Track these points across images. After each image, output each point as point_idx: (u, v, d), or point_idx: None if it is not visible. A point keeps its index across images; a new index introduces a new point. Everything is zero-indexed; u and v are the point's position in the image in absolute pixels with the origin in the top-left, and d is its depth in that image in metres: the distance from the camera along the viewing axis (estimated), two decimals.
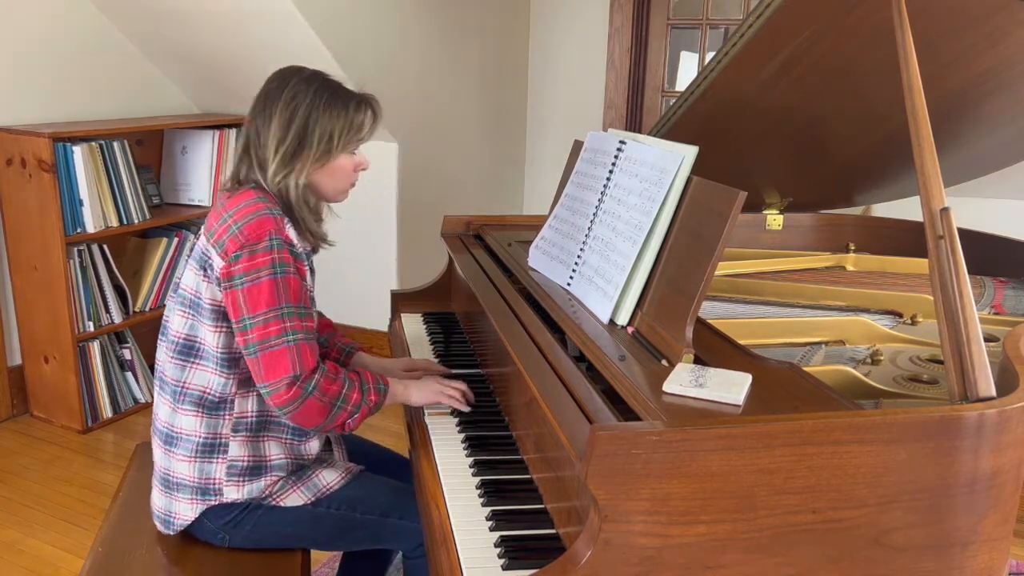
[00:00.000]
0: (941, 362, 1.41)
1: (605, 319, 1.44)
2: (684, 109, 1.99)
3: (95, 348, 3.15)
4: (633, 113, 4.10)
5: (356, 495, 1.61)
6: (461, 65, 3.83)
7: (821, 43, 1.73)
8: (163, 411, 1.57)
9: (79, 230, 3.02)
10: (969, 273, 1.20)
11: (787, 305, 1.88)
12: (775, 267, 2.18)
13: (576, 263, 1.61)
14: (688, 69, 4.11)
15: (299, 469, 1.61)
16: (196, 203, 3.52)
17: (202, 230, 1.57)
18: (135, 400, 3.32)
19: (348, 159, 1.59)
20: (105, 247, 3.15)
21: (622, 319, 1.42)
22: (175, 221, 3.39)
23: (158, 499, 1.60)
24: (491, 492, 1.36)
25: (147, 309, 3.33)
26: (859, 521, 1.02)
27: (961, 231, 1.26)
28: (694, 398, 1.12)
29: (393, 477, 1.73)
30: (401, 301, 2.30)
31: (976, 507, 1.05)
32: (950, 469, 1.03)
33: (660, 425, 1.02)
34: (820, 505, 1.01)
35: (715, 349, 1.31)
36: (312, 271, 1.64)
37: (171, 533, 1.59)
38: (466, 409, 1.64)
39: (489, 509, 1.31)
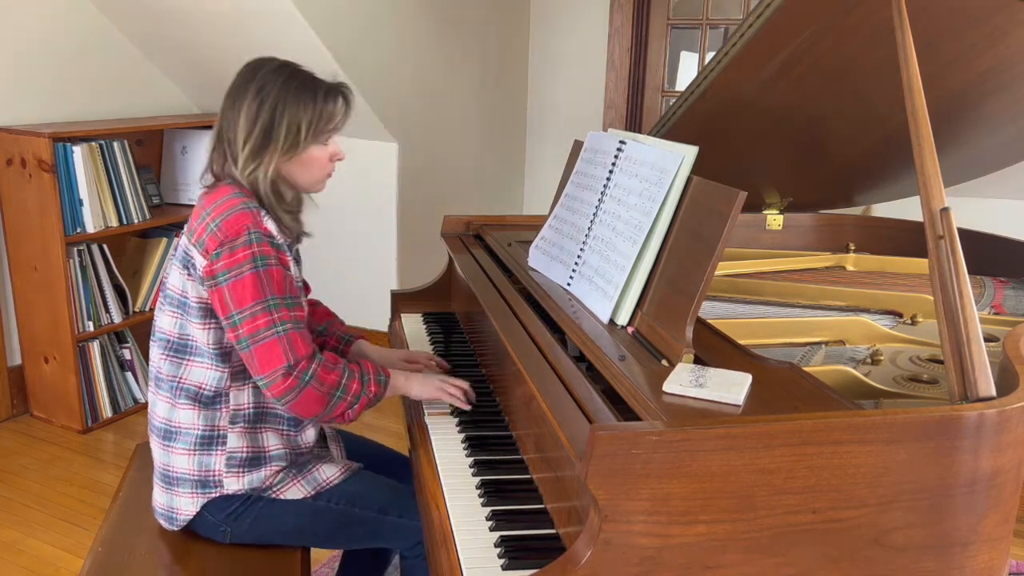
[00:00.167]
0: (941, 362, 1.41)
1: (605, 319, 1.44)
2: (684, 109, 1.99)
3: (95, 348, 3.15)
4: (633, 113, 4.10)
5: (355, 490, 1.62)
6: (461, 65, 3.83)
7: (821, 43, 1.73)
8: (160, 408, 1.58)
9: (79, 230, 3.02)
10: (969, 273, 1.20)
11: (787, 305, 1.88)
12: (775, 267, 2.18)
13: (576, 263, 1.61)
14: (688, 69, 4.11)
15: (299, 461, 1.62)
16: (196, 203, 3.52)
17: (184, 229, 1.58)
18: (135, 400, 3.32)
19: (320, 150, 1.58)
20: (105, 247, 3.15)
21: (622, 319, 1.42)
22: (175, 221, 3.39)
23: (160, 496, 1.60)
24: (491, 492, 1.36)
25: (147, 309, 3.33)
26: (859, 521, 1.02)
27: (961, 231, 1.26)
28: (694, 398, 1.12)
29: (393, 476, 1.73)
30: (401, 301, 2.30)
31: (976, 507, 1.05)
32: (950, 469, 1.03)
33: (660, 425, 1.02)
34: (820, 505, 1.01)
35: (715, 349, 1.31)
36: (298, 261, 1.64)
37: (175, 529, 1.59)
38: (467, 407, 1.63)
39: (489, 509, 1.31)
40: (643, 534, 0.98)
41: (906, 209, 2.42)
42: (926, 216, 1.24)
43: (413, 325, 2.18)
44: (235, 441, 1.55)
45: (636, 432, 0.96)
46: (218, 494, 1.56)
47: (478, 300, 1.75)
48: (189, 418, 1.55)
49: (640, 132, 1.96)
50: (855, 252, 2.30)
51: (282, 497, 1.58)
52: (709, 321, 1.45)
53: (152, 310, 3.30)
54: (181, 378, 1.55)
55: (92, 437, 3.12)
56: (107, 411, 3.21)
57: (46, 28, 3.13)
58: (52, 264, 2.99)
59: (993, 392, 1.10)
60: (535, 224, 1.90)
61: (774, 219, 2.38)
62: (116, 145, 3.11)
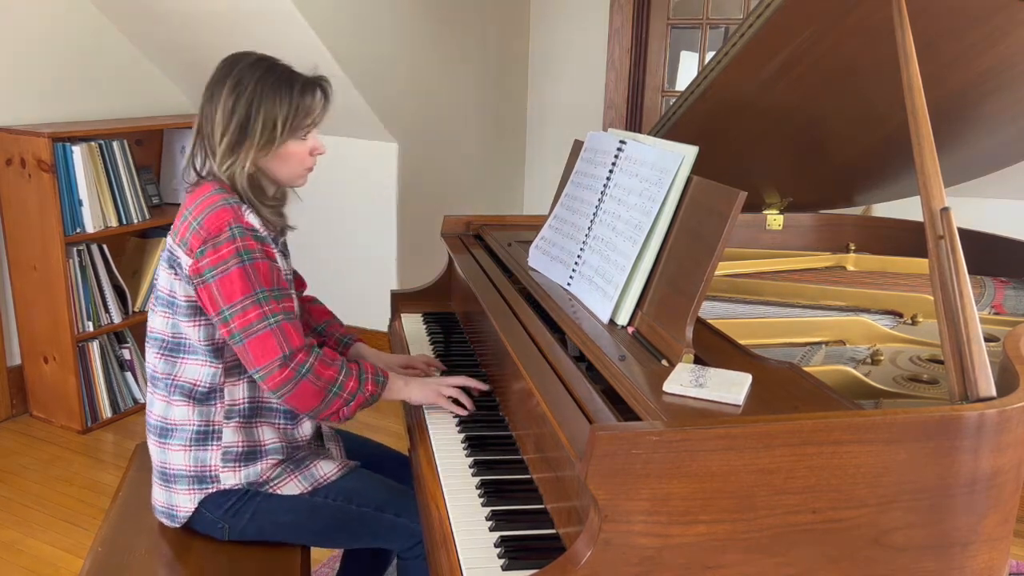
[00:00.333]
0: (941, 362, 1.41)
1: (605, 319, 1.43)
2: (684, 109, 1.99)
3: (95, 348, 3.15)
4: (633, 113, 4.10)
5: (352, 487, 1.62)
6: (461, 65, 3.83)
7: (821, 43, 1.73)
8: (157, 407, 1.58)
9: (79, 230, 3.02)
10: (969, 273, 1.19)
11: (787, 305, 1.88)
12: (775, 267, 2.18)
13: (576, 263, 1.61)
14: (688, 69, 4.10)
15: (296, 457, 1.62)
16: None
17: (170, 229, 1.58)
18: (135, 400, 3.32)
19: (299, 145, 1.57)
20: (105, 247, 3.15)
21: (622, 319, 1.42)
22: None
23: (159, 494, 1.61)
24: (491, 492, 1.36)
25: (147, 309, 3.32)
26: (859, 521, 1.02)
27: (961, 231, 1.26)
28: (694, 398, 1.12)
29: (392, 475, 1.73)
30: (401, 301, 2.30)
31: (976, 507, 1.05)
32: (950, 469, 1.03)
33: (660, 425, 1.02)
34: (820, 505, 1.01)
35: (715, 349, 1.31)
36: (285, 254, 1.63)
37: (176, 526, 1.60)
38: (464, 414, 1.62)
39: (489, 509, 1.31)
40: (643, 534, 0.98)
41: (906, 209, 2.42)
42: (926, 216, 1.24)
43: (413, 325, 2.18)
44: (230, 436, 1.56)
45: (636, 432, 0.96)
46: (215, 489, 1.56)
47: (478, 300, 1.75)
48: (184, 415, 1.55)
49: (640, 132, 1.96)
50: (855, 252, 2.30)
51: (279, 492, 1.58)
52: (709, 321, 1.45)
53: None
54: (176, 376, 1.55)
55: (92, 437, 3.12)
56: (107, 411, 3.21)
57: (46, 28, 3.13)
58: (52, 264, 2.99)
59: (993, 392, 1.10)
60: (535, 224, 1.90)
61: (774, 219, 2.38)
62: (116, 145, 3.11)
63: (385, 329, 2.30)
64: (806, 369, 1.25)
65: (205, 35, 3.21)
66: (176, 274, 1.52)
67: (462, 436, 1.56)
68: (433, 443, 1.54)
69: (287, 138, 1.55)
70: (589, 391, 1.21)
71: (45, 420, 3.21)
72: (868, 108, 1.97)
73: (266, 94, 1.52)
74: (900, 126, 1.46)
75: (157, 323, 1.58)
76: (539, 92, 4.29)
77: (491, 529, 1.26)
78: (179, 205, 1.53)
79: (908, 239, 2.33)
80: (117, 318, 3.21)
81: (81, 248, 3.06)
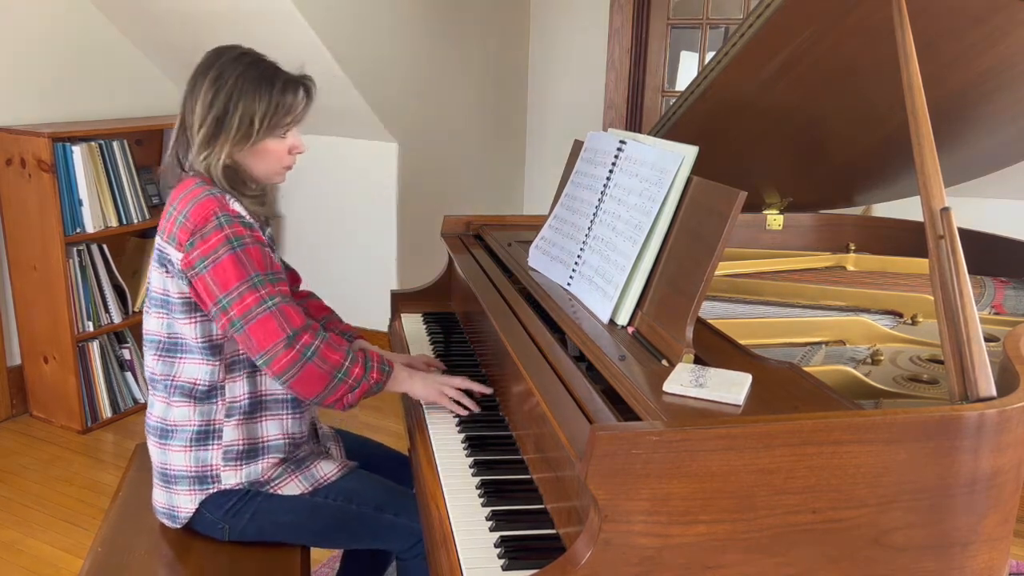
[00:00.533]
0: (941, 362, 1.41)
1: (605, 319, 1.43)
2: (684, 109, 1.99)
3: (95, 348, 3.15)
4: (633, 113, 4.10)
5: (352, 487, 1.62)
6: (461, 65, 3.83)
7: (821, 43, 1.73)
8: (156, 408, 1.58)
9: (79, 230, 3.02)
10: (969, 273, 1.19)
11: (787, 305, 1.88)
12: (775, 267, 2.18)
13: (576, 263, 1.61)
14: (688, 69, 4.10)
15: (296, 456, 1.61)
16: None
17: (158, 229, 1.57)
18: (135, 400, 3.32)
19: (277, 143, 1.56)
20: (105, 247, 3.15)
21: (622, 319, 1.42)
22: None
23: (159, 495, 1.60)
24: (491, 492, 1.36)
25: (145, 306, 3.33)
26: (859, 521, 1.02)
27: (961, 231, 1.26)
28: (694, 398, 1.12)
29: (391, 476, 1.73)
30: (401, 301, 2.30)
31: (976, 507, 1.05)
32: (950, 469, 1.03)
33: (660, 425, 1.02)
34: (820, 505, 1.01)
35: (715, 349, 1.31)
36: (272, 247, 1.62)
37: (177, 527, 1.60)
38: (465, 414, 1.62)
39: (489, 509, 1.31)
40: (643, 534, 0.98)
41: (906, 209, 2.42)
42: (926, 216, 1.24)
43: (413, 325, 2.18)
44: (231, 435, 1.55)
45: (636, 432, 0.96)
46: (216, 489, 1.56)
47: (478, 300, 1.75)
48: (184, 415, 1.55)
49: (640, 132, 1.96)
50: (855, 252, 2.30)
51: (280, 493, 1.58)
52: (709, 321, 1.45)
53: None
54: (175, 376, 1.55)
55: (92, 437, 3.12)
56: (107, 411, 3.21)
57: (46, 28, 3.13)
58: (52, 264, 2.99)
59: (993, 392, 1.10)
60: (535, 224, 1.90)
61: (774, 219, 2.38)
62: (116, 145, 3.11)
63: (385, 329, 2.30)
64: (806, 369, 1.25)
65: (205, 35, 3.20)
66: (168, 272, 1.52)
67: (462, 436, 1.56)
68: (433, 443, 1.54)
69: (264, 135, 1.53)
70: (589, 391, 1.21)
71: (45, 420, 3.21)
72: (868, 108, 1.97)
73: (246, 89, 1.50)
74: (900, 126, 1.46)
75: (152, 324, 1.57)
76: (539, 92, 4.29)
77: (491, 529, 1.26)
78: None
79: (908, 239, 2.33)
80: (117, 318, 3.21)
81: (81, 248, 3.06)
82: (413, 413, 1.69)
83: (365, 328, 3.59)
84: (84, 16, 3.25)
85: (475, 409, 1.62)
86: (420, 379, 1.63)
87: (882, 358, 1.57)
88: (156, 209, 3.41)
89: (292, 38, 3.00)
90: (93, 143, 3.03)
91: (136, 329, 3.31)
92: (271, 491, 1.58)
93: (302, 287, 1.91)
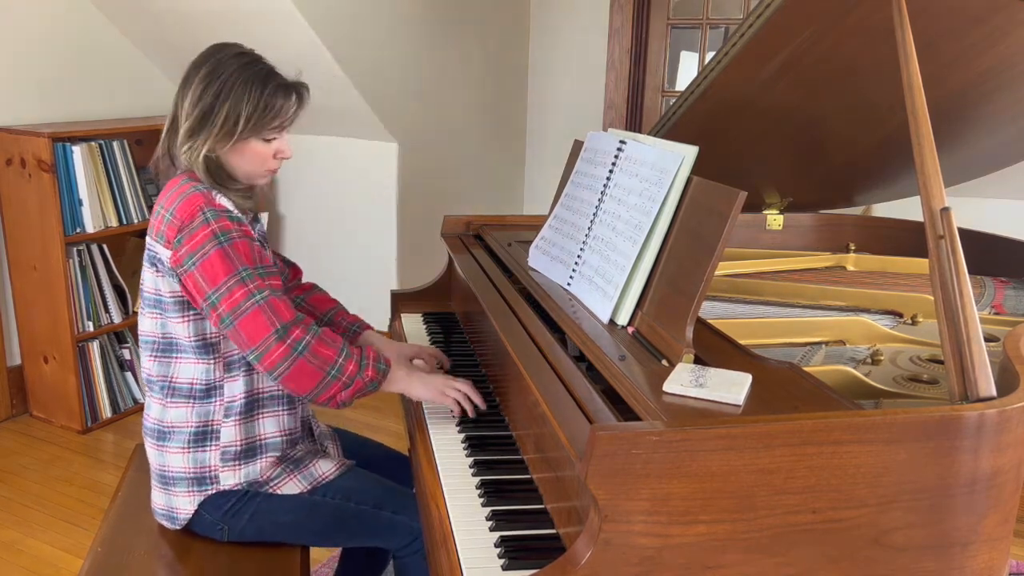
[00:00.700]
0: (941, 362, 1.41)
1: (605, 319, 1.43)
2: (684, 109, 1.99)
3: (95, 348, 3.15)
4: (633, 113, 4.10)
5: (351, 486, 1.62)
6: (461, 65, 3.83)
7: (821, 43, 1.73)
8: (154, 410, 1.58)
9: (79, 230, 3.02)
10: (969, 273, 1.19)
11: (787, 305, 1.88)
12: (775, 267, 2.18)
13: (576, 263, 1.61)
14: (688, 69, 4.10)
15: (294, 454, 1.61)
16: None
17: (148, 228, 1.57)
18: (134, 400, 3.32)
19: (261, 145, 1.55)
20: (105, 247, 3.15)
21: (622, 319, 1.42)
22: None
23: (158, 497, 1.60)
24: (491, 492, 1.36)
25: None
26: (859, 521, 1.02)
27: (961, 231, 1.26)
28: (694, 398, 1.12)
29: (389, 475, 1.73)
30: (401, 301, 2.30)
31: (976, 507, 1.05)
32: (950, 469, 1.03)
33: (660, 425, 1.02)
34: (820, 505, 1.01)
35: (715, 349, 1.31)
36: (263, 242, 1.61)
37: (177, 528, 1.60)
38: (470, 414, 1.60)
39: (489, 509, 1.31)
40: (643, 534, 0.98)
41: (906, 209, 2.41)
42: (926, 216, 1.24)
43: (413, 325, 2.18)
44: (229, 435, 1.55)
45: (636, 432, 0.96)
46: (215, 490, 1.56)
47: (478, 300, 1.75)
48: (182, 416, 1.55)
49: (640, 132, 1.96)
50: (855, 252, 2.30)
51: (279, 492, 1.58)
52: (709, 321, 1.45)
53: None
54: (172, 377, 1.55)
55: (92, 437, 3.12)
56: (107, 411, 3.21)
57: (46, 28, 3.13)
58: (52, 264, 2.99)
59: (993, 392, 1.10)
60: (535, 224, 1.90)
61: (774, 219, 2.38)
62: (116, 145, 3.11)
63: (385, 329, 2.30)
64: (806, 369, 1.25)
65: (205, 35, 3.19)
66: (158, 270, 1.51)
67: (462, 436, 1.56)
68: (433, 443, 1.54)
69: (249, 135, 1.52)
70: (589, 391, 1.21)
71: (45, 420, 3.21)
72: (868, 108, 1.97)
73: (236, 88, 1.50)
74: (900, 126, 1.46)
75: (147, 325, 1.57)
76: (539, 92, 4.29)
77: (491, 529, 1.26)
78: None
79: (908, 239, 2.33)
80: (117, 318, 3.21)
81: (81, 248, 3.06)
82: (413, 413, 1.69)
83: None
84: (84, 16, 3.25)
85: (481, 406, 1.61)
86: (419, 379, 1.60)
87: (882, 358, 1.57)
88: None
89: (292, 38, 3.00)
90: (93, 143, 3.03)
91: (136, 329, 3.31)
92: (270, 491, 1.58)
93: (304, 280, 1.91)
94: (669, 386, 1.14)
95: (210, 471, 1.55)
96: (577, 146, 1.82)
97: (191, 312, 1.51)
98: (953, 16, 1.61)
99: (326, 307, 1.86)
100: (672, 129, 2.06)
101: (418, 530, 1.56)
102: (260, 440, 1.58)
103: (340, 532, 1.63)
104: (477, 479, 1.41)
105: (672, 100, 3.16)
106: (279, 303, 1.46)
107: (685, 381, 1.14)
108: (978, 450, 1.03)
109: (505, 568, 1.16)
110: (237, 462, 1.56)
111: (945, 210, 1.22)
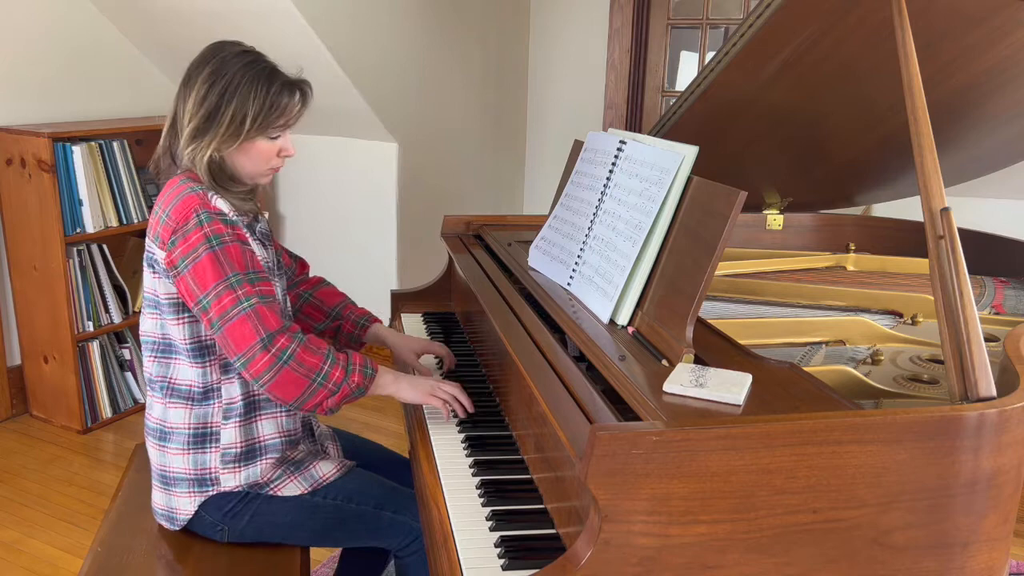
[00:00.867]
0: (941, 362, 1.41)
1: (605, 319, 1.43)
2: (684, 109, 1.99)
3: (95, 348, 3.15)
4: (633, 113, 4.10)
5: (351, 487, 1.62)
6: (461, 65, 3.83)
7: (821, 43, 1.73)
8: (155, 409, 1.58)
9: (79, 230, 3.02)
10: (969, 273, 1.20)
11: (787, 305, 1.88)
12: (775, 267, 2.18)
13: (576, 263, 1.61)
14: (688, 69, 4.10)
15: (294, 455, 1.61)
16: None
17: (147, 229, 1.57)
18: (135, 400, 3.32)
19: (267, 143, 1.54)
20: (105, 247, 3.15)
21: (622, 319, 1.42)
22: None
23: (159, 497, 1.60)
24: (491, 492, 1.36)
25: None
26: (859, 521, 1.02)
27: (961, 231, 1.26)
28: (694, 398, 1.12)
29: (391, 477, 1.73)
30: (401, 301, 2.30)
31: (976, 507, 1.05)
32: (950, 469, 1.03)
33: (660, 425, 1.02)
34: (820, 505, 1.01)
35: (715, 349, 1.31)
36: (264, 242, 1.60)
37: (176, 529, 1.59)
38: (460, 415, 1.60)
39: (489, 509, 1.31)
40: (643, 534, 0.98)
41: (906, 209, 2.42)
42: (926, 216, 1.24)
43: (413, 325, 2.18)
44: (228, 437, 1.55)
45: (636, 432, 0.96)
46: (215, 492, 1.56)
47: (478, 300, 1.75)
48: (181, 417, 1.54)
49: (640, 132, 1.96)
50: (855, 252, 2.30)
51: (279, 494, 1.58)
52: (709, 321, 1.45)
53: None
54: (171, 378, 1.55)
55: (92, 437, 3.12)
56: (107, 411, 3.21)
57: (46, 28, 3.13)
58: (52, 264, 2.99)
59: (993, 392, 1.10)
60: (535, 224, 1.90)
61: (774, 219, 2.38)
62: (116, 145, 3.11)
63: None
64: (806, 369, 1.26)
65: (204, 35, 3.19)
66: (155, 272, 1.51)
67: (462, 436, 1.56)
68: (433, 443, 1.54)
69: (255, 135, 1.52)
70: (589, 391, 1.21)
71: (45, 420, 3.21)
72: (868, 108, 1.97)
73: (242, 87, 1.49)
74: (900, 126, 1.46)
75: (147, 326, 1.57)
76: (539, 92, 4.29)
77: (491, 529, 1.26)
78: None
79: (908, 239, 2.33)
80: (117, 318, 3.21)
81: (81, 248, 3.06)
82: (413, 413, 1.69)
83: None
84: (84, 16, 3.25)
85: (469, 409, 1.60)
86: (407, 382, 1.58)
87: (882, 358, 1.57)
88: None
89: (292, 38, 3.00)
90: (93, 143, 3.03)
91: (136, 329, 3.31)
92: (270, 492, 1.58)
93: (311, 273, 1.91)
94: (669, 386, 1.14)
95: (210, 473, 1.55)
96: (577, 146, 1.82)
97: (186, 315, 1.51)
98: (953, 16, 1.61)
99: (334, 301, 1.86)
100: (672, 129, 2.06)
101: (419, 530, 1.56)
102: (260, 442, 1.58)
103: (340, 532, 1.63)
104: (477, 479, 1.41)
105: (672, 100, 3.16)
106: (266, 311, 1.44)
107: (685, 381, 1.14)
108: (978, 450, 1.03)
109: (505, 568, 1.17)
110: (237, 464, 1.56)
111: (945, 210, 1.22)
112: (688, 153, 1.41)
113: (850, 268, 2.24)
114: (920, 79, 1.36)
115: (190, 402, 1.54)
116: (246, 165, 1.55)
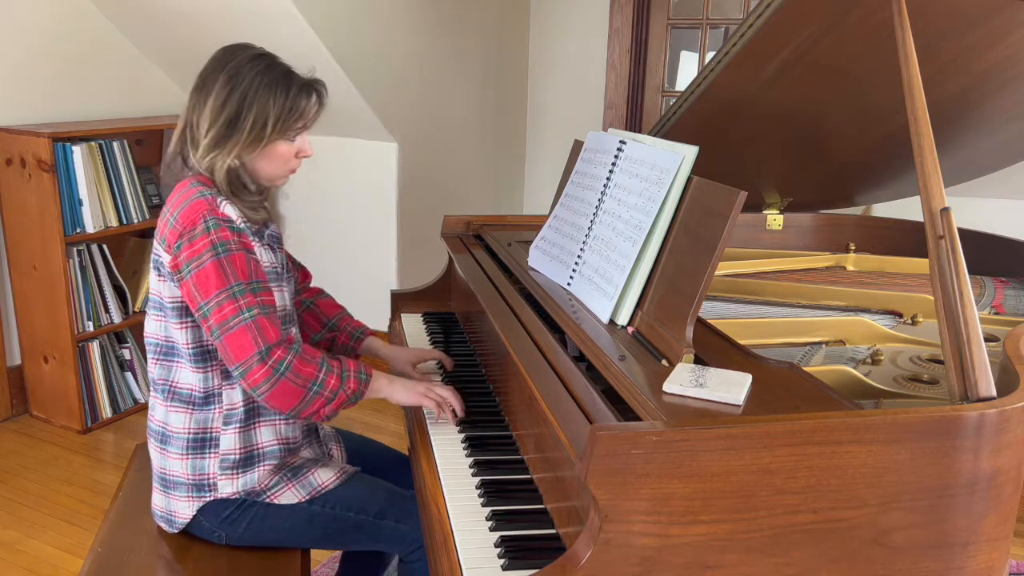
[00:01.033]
0: (941, 362, 1.41)
1: (605, 319, 1.43)
2: (684, 109, 1.99)
3: (95, 348, 3.15)
4: (633, 113, 4.10)
5: (351, 495, 1.61)
6: (461, 65, 3.83)
7: (821, 43, 1.73)
8: (158, 411, 1.58)
9: (79, 230, 3.02)
10: (969, 273, 1.19)
11: (787, 305, 1.88)
12: (775, 267, 2.18)
13: (576, 263, 1.61)
14: (688, 69, 4.10)
15: (293, 462, 1.61)
16: None
17: (155, 231, 1.57)
18: (135, 400, 3.32)
19: (287, 146, 1.54)
20: (105, 247, 3.15)
21: (622, 319, 1.42)
22: None
23: (158, 499, 1.60)
24: (491, 492, 1.36)
25: (146, 309, 3.33)
26: (859, 521, 1.02)
27: (961, 231, 1.26)
28: (694, 398, 1.12)
29: (394, 477, 1.72)
30: (401, 301, 2.30)
31: (976, 507, 1.05)
32: (950, 469, 1.03)
33: (660, 425, 1.02)
34: (820, 505, 1.01)
35: (715, 349, 1.31)
36: (273, 247, 1.60)
37: (175, 531, 1.59)
38: (449, 419, 1.60)
39: (489, 509, 1.31)
40: (643, 534, 0.98)
41: (906, 209, 2.42)
42: (926, 216, 1.24)
43: (413, 325, 2.18)
44: (228, 443, 1.54)
45: (636, 432, 0.96)
46: (213, 497, 1.55)
47: (478, 300, 1.75)
48: (181, 421, 1.54)
49: (640, 132, 1.96)
50: (855, 252, 2.30)
51: (276, 502, 1.57)
52: (709, 321, 1.45)
53: None
54: (173, 381, 1.55)
55: (92, 437, 3.12)
56: (107, 411, 3.21)
57: (46, 28, 3.13)
58: (52, 264, 2.99)
59: (993, 392, 1.10)
60: (535, 224, 1.90)
61: (774, 219, 2.38)
62: (116, 145, 3.11)
63: (385, 329, 2.30)
64: (806, 369, 1.26)
65: (205, 35, 3.21)
66: (160, 274, 1.51)
67: (462, 436, 1.56)
68: (433, 443, 1.54)
69: (276, 138, 1.52)
70: (589, 391, 1.21)
71: (45, 420, 3.21)
72: (868, 108, 1.97)
73: (261, 92, 1.49)
74: (900, 126, 1.46)
75: (152, 327, 1.57)
76: (539, 92, 4.29)
77: (491, 529, 1.26)
78: None
79: (908, 239, 2.33)
80: (117, 318, 3.21)
81: (81, 248, 3.06)
82: (413, 414, 1.69)
83: None
84: (84, 17, 3.25)
85: (459, 413, 1.60)
86: (401, 385, 1.59)
87: (882, 358, 1.57)
88: (156, 209, 3.41)
89: (292, 38, 3.00)
90: (93, 143, 3.03)
91: (136, 329, 3.31)
92: (267, 500, 1.56)
93: (311, 284, 1.91)
94: (669, 386, 1.14)
95: (208, 478, 1.55)
96: (577, 146, 1.82)
97: (189, 319, 1.51)
98: (953, 16, 1.61)
99: (332, 312, 1.87)
100: (672, 129, 2.06)
101: (422, 538, 1.56)
102: (258, 449, 1.57)
103: (339, 539, 1.62)
104: (477, 479, 1.41)
105: (672, 100, 3.16)
106: (266, 322, 1.44)
107: (685, 381, 1.14)
108: (978, 450, 1.03)
109: (505, 568, 1.16)
110: (235, 471, 1.55)
111: (945, 210, 1.22)
112: (688, 153, 1.41)
113: (850, 268, 2.24)
114: (920, 79, 1.36)
115: (191, 406, 1.54)
116: (266, 168, 1.55)
